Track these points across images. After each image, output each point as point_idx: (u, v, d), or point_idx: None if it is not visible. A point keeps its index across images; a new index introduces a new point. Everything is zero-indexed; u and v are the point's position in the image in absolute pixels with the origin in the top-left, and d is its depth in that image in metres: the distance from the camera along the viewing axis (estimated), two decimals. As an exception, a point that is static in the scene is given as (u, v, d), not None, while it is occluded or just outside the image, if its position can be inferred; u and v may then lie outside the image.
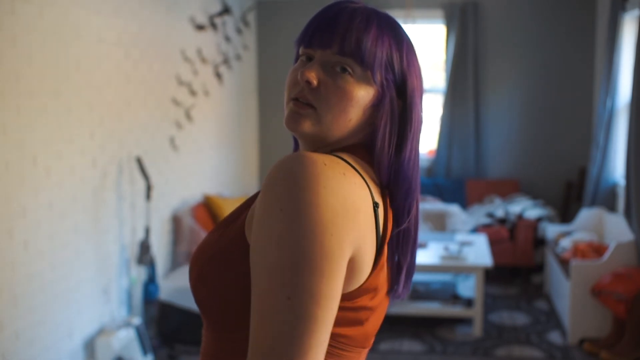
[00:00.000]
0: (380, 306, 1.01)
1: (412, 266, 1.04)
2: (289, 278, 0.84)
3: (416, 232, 1.04)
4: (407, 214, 1.01)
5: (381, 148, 1.00)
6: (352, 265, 0.91)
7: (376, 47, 0.98)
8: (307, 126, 0.99)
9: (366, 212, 0.92)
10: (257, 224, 0.88)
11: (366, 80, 0.99)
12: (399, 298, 1.05)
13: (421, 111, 1.04)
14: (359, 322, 0.97)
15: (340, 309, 0.92)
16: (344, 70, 0.98)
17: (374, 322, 1.01)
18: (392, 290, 1.03)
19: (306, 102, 0.98)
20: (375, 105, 1.00)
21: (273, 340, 0.84)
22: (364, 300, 0.96)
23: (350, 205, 0.89)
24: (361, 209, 0.91)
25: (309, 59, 1.01)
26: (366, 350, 1.03)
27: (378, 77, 0.99)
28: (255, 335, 0.86)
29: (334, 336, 0.93)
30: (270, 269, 0.85)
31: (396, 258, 1.02)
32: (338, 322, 0.92)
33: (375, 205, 0.95)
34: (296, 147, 1.12)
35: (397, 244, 1.02)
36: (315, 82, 0.98)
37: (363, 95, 0.99)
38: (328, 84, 0.98)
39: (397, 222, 1.01)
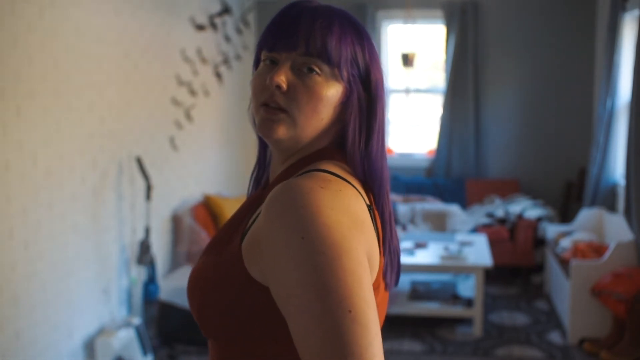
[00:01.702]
0: (382, 302, 1.04)
1: (396, 253, 1.05)
2: (342, 294, 0.86)
3: (391, 218, 1.05)
4: (383, 205, 1.03)
5: (352, 143, 1.01)
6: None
7: (341, 44, 0.99)
8: (282, 131, 0.99)
9: (367, 219, 0.95)
10: (280, 259, 0.89)
11: (334, 78, 1.00)
12: (390, 287, 1.05)
13: (385, 102, 1.06)
14: None
15: None
16: (311, 70, 0.99)
17: (380, 320, 1.03)
18: (384, 277, 1.04)
19: (277, 107, 0.99)
20: (344, 102, 1.02)
21: (346, 354, 0.85)
22: None
23: (356, 217, 0.92)
24: (364, 219, 0.94)
25: (273, 62, 1.01)
26: None
27: (345, 74, 1.00)
28: (323, 356, 0.86)
29: None
30: (319, 293, 0.86)
31: (385, 242, 1.04)
32: None
33: (369, 207, 0.98)
34: (261, 151, 1.13)
35: (382, 229, 1.03)
36: (285, 86, 0.98)
37: (333, 93, 1.00)
38: (297, 86, 0.99)
39: (379, 213, 1.03)
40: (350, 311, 0.86)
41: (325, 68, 0.99)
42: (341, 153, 1.03)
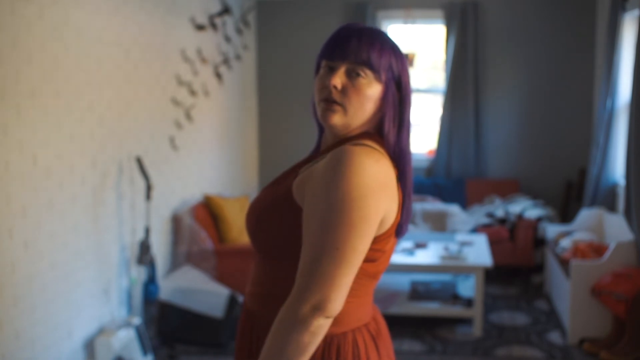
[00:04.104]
0: (390, 249, 1.42)
1: (410, 208, 1.43)
2: (338, 236, 1.24)
3: (411, 187, 1.42)
4: (406, 177, 1.39)
5: (388, 129, 1.39)
6: (381, 222, 1.31)
7: (380, 56, 1.36)
8: (337, 119, 1.37)
9: (393, 185, 1.33)
10: (315, 197, 1.27)
11: (375, 80, 1.36)
12: (402, 235, 1.42)
13: (412, 98, 1.43)
14: (374, 260, 1.37)
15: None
16: (358, 74, 1.35)
17: (384, 262, 1.42)
18: (398, 231, 1.40)
19: (334, 101, 1.36)
20: (382, 98, 1.38)
21: (318, 278, 1.23)
22: (381, 245, 1.36)
23: (382, 182, 1.29)
24: (390, 184, 1.32)
25: (331, 68, 1.37)
26: (374, 282, 1.43)
27: (383, 77, 1.37)
28: (303, 273, 1.25)
29: None
30: (323, 228, 1.25)
31: (404, 206, 1.39)
32: None
33: (397, 178, 1.36)
34: (320, 134, 1.50)
35: (404, 196, 1.39)
36: (340, 86, 1.35)
37: (374, 91, 1.37)
38: (349, 86, 1.36)
39: (402, 185, 1.39)
40: (337, 249, 1.24)
41: (369, 73, 1.35)
42: (380, 138, 1.39)
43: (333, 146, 1.40)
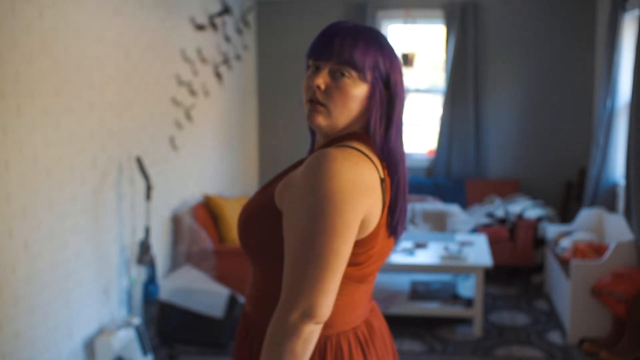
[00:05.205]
0: (379, 253, 1.38)
1: (405, 208, 1.42)
2: (319, 241, 1.23)
3: (405, 187, 1.40)
4: (397, 177, 1.37)
5: (374, 129, 1.36)
6: (362, 225, 1.29)
7: (365, 55, 1.33)
8: (321, 120, 1.35)
9: (374, 188, 1.30)
10: (294, 203, 1.27)
11: (361, 80, 1.34)
12: (398, 236, 1.41)
13: (404, 97, 1.40)
14: (358, 264, 1.35)
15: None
16: (342, 74, 1.33)
17: (371, 265, 1.38)
18: (393, 232, 1.38)
19: (318, 102, 1.35)
20: (369, 98, 1.35)
21: (304, 285, 1.22)
22: (364, 248, 1.33)
23: (361, 185, 1.26)
24: (370, 187, 1.29)
25: (317, 67, 1.36)
26: (363, 286, 1.41)
27: (369, 76, 1.34)
28: (288, 282, 1.24)
29: None
30: (304, 234, 1.23)
31: (397, 206, 1.38)
32: None
33: (382, 180, 1.33)
34: (312, 135, 1.50)
35: (396, 196, 1.37)
36: (323, 87, 1.34)
37: (359, 91, 1.34)
38: (332, 87, 1.34)
39: (393, 185, 1.36)
40: (318, 255, 1.22)
41: (354, 72, 1.33)
42: (367, 136, 1.37)
43: (323, 147, 1.38)
